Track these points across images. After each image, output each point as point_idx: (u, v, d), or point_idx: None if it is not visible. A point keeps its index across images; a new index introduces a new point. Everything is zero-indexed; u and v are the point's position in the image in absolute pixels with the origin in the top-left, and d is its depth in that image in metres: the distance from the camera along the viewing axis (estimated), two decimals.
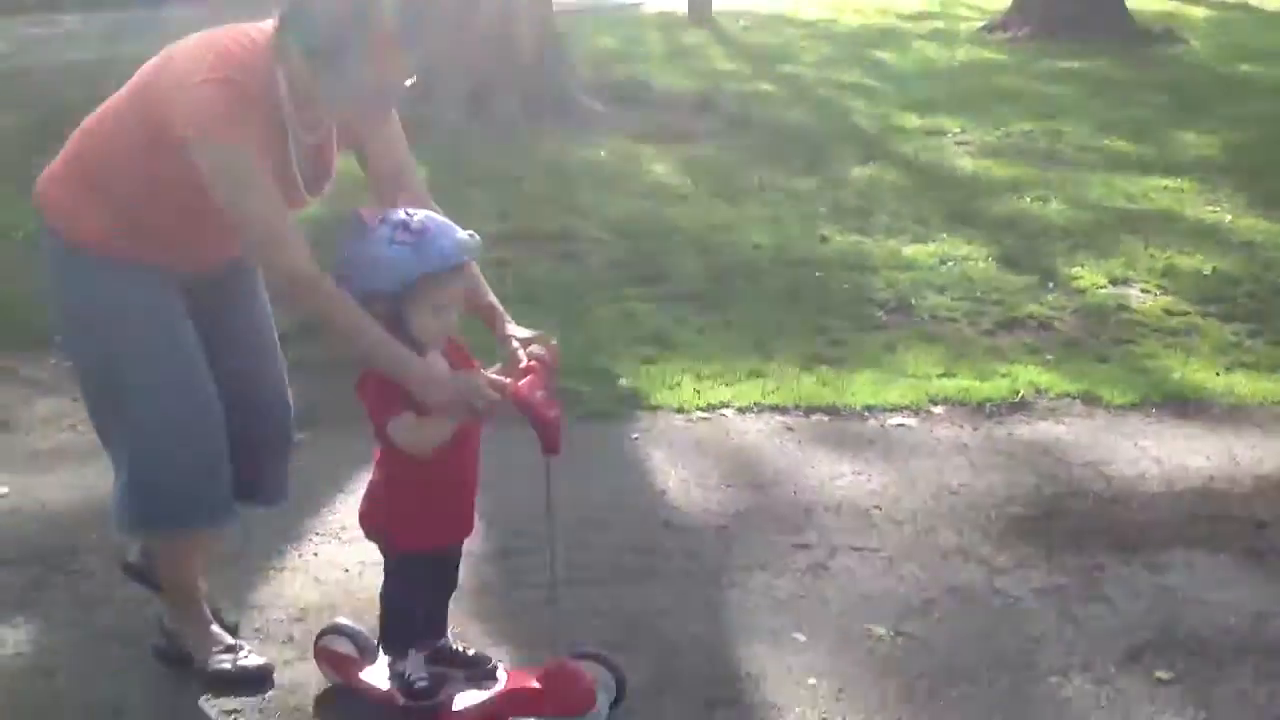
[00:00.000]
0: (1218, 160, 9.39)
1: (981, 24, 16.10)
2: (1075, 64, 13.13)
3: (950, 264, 6.92)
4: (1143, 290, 6.61)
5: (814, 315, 6.15)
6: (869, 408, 5.06)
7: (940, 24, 16.70)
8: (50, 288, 3.10)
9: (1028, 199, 8.20)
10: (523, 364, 2.92)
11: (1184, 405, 5.16)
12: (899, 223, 7.67)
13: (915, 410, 5.05)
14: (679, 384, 5.20)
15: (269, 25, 2.83)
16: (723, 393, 5.14)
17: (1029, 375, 5.37)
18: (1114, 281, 6.71)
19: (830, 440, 4.77)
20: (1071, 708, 3.18)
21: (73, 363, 3.23)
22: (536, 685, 2.96)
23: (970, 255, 7.06)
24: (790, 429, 4.86)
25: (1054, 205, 8.09)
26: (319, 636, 3.21)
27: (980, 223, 7.70)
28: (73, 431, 4.61)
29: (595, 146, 9.36)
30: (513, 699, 2.98)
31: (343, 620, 3.24)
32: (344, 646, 3.18)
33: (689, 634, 3.43)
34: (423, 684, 3.02)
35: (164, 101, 2.79)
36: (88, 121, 3.02)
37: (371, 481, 3.02)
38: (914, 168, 9.06)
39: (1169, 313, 6.29)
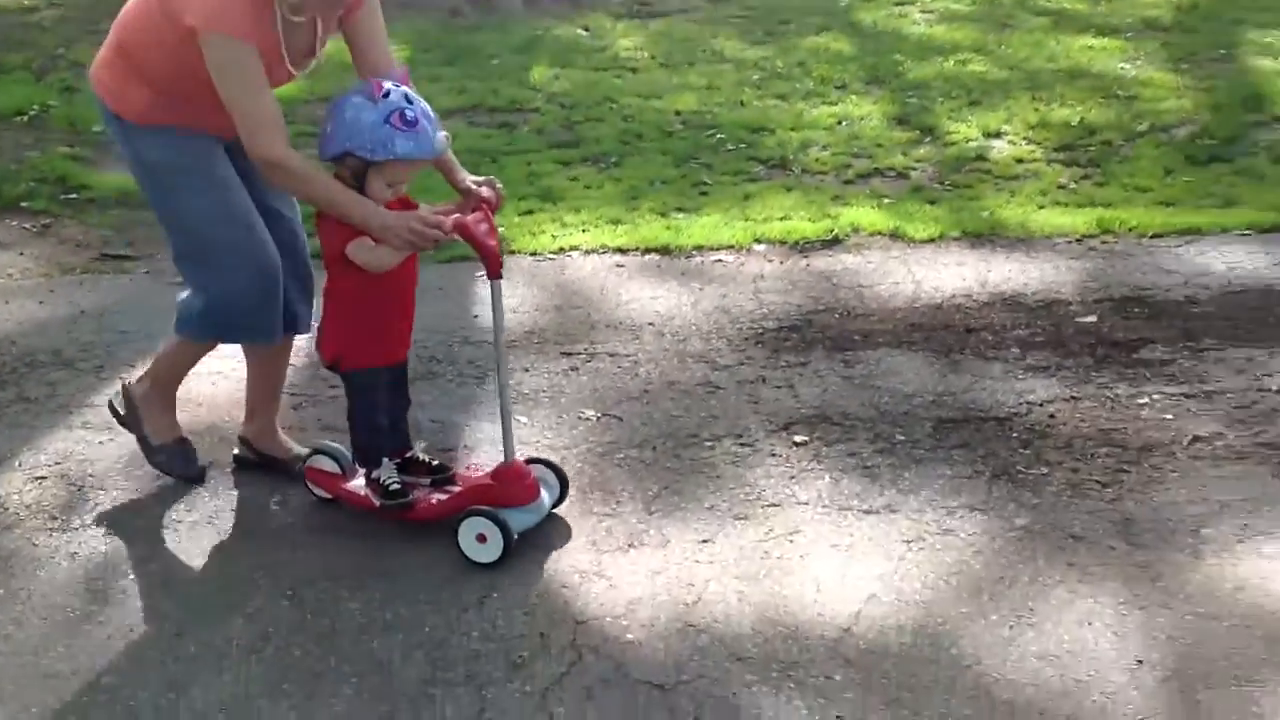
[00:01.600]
0: (1162, 19, 9.76)
1: None
2: None
3: (845, 124, 7.57)
4: (1009, 141, 7.20)
5: (697, 171, 6.88)
6: (699, 247, 5.81)
7: None
8: (122, 155, 3.65)
9: (952, 61, 8.73)
10: (471, 203, 3.45)
11: (978, 238, 5.82)
12: (821, 87, 8.30)
13: (738, 249, 5.79)
14: (542, 231, 6.01)
15: None
16: (577, 238, 5.93)
17: (853, 217, 6.05)
18: (987, 134, 7.30)
19: (650, 274, 5.55)
20: (708, 462, 3.97)
21: (156, 213, 3.67)
22: (489, 482, 3.50)
23: (868, 115, 7.69)
24: (620, 266, 5.65)
25: (973, 66, 8.63)
26: (305, 459, 3.72)
27: (896, 85, 8.29)
28: (6, 279, 5.60)
29: (578, 24, 10.08)
30: (470, 494, 3.50)
31: (325, 442, 3.75)
32: (327, 465, 3.69)
33: (435, 419, 4.28)
34: (395, 486, 3.53)
35: None
36: (123, 13, 3.56)
37: (322, 318, 3.52)
38: (864, 35, 9.61)
39: (1019, 160, 6.90)
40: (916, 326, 4.92)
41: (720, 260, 5.67)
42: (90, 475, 3.96)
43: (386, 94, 3.25)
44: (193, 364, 3.87)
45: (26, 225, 6.27)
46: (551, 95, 8.24)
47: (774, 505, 3.74)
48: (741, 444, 4.08)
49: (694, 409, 4.32)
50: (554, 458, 3.94)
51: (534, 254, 5.78)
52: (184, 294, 3.70)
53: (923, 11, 10.35)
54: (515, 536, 3.42)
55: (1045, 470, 3.87)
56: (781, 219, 6.10)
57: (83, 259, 5.89)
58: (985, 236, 5.83)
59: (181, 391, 3.97)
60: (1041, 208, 6.18)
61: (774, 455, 4.01)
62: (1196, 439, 4.02)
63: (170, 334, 3.80)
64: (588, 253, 5.79)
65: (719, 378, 4.54)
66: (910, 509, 3.70)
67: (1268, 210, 5.97)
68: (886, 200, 6.36)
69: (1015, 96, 7.89)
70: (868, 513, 3.69)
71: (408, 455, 3.67)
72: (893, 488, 3.81)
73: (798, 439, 4.10)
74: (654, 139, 7.38)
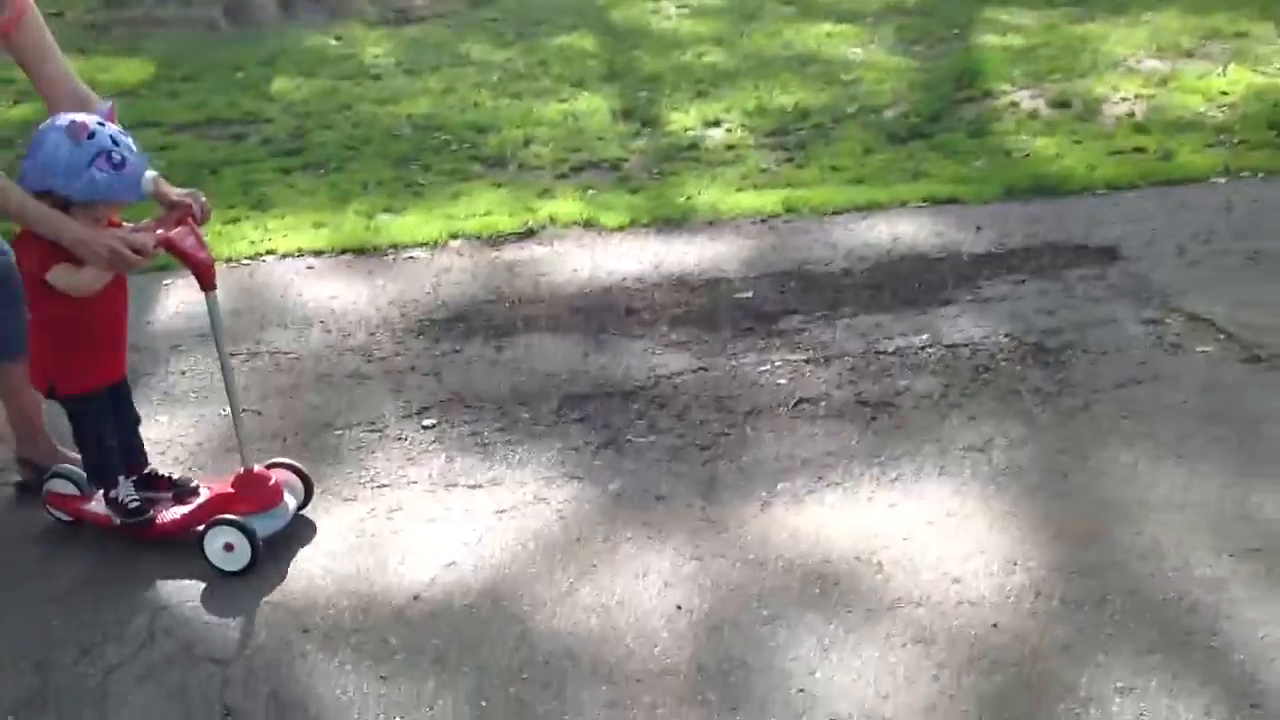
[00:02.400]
0: (904, 3, 10.17)
1: None
2: None
3: (572, 119, 7.79)
4: (727, 129, 7.47)
5: (414, 173, 7.04)
6: (395, 245, 5.97)
7: None
8: None
9: (690, 54, 9.02)
10: (175, 216, 3.47)
11: (668, 224, 6.06)
12: (558, 85, 8.53)
13: (434, 245, 5.96)
14: (242, 238, 6.12)
15: None
16: (276, 242, 6.05)
17: (553, 209, 6.26)
18: (706, 123, 7.57)
19: (339, 274, 5.70)
20: (333, 449, 4.14)
21: None
22: (231, 490, 3.58)
23: (595, 109, 7.93)
24: (311, 268, 5.79)
25: (709, 58, 8.92)
26: (44, 482, 3.84)
27: (630, 80, 8.54)
28: None
29: (330, 34, 10.19)
30: (212, 504, 3.57)
31: (61, 465, 3.77)
32: (64, 487, 3.73)
33: None
34: (134, 504, 3.60)
35: None
36: None
37: (31, 344, 3.62)
38: (612, 33, 9.87)
39: (730, 147, 7.18)
40: (579, 310, 5.13)
41: (412, 257, 5.84)
42: None
43: (92, 134, 3.24)
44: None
45: None
46: (288, 105, 8.35)
47: (384, 486, 3.92)
48: (371, 430, 4.26)
49: (336, 400, 4.49)
50: (179, 455, 4.08)
51: (228, 260, 5.88)
52: None
53: (678, 6, 10.64)
54: (261, 542, 3.49)
55: (653, 438, 4.11)
56: (485, 214, 6.28)
57: None
58: (675, 222, 6.07)
59: None
60: (740, 191, 6.45)
61: (400, 439, 4.19)
62: (802, 400, 4.29)
63: None
64: (283, 256, 5.92)
65: (370, 369, 4.71)
66: (514, 481, 3.90)
67: (949, 183, 6.31)
68: (591, 191, 6.58)
69: (741, 86, 8.19)
70: (473, 487, 3.89)
71: (145, 471, 3.75)
72: (503, 463, 4.01)
73: (426, 423, 4.28)
74: (379, 143, 7.53)
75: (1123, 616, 3.19)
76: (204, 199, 3.60)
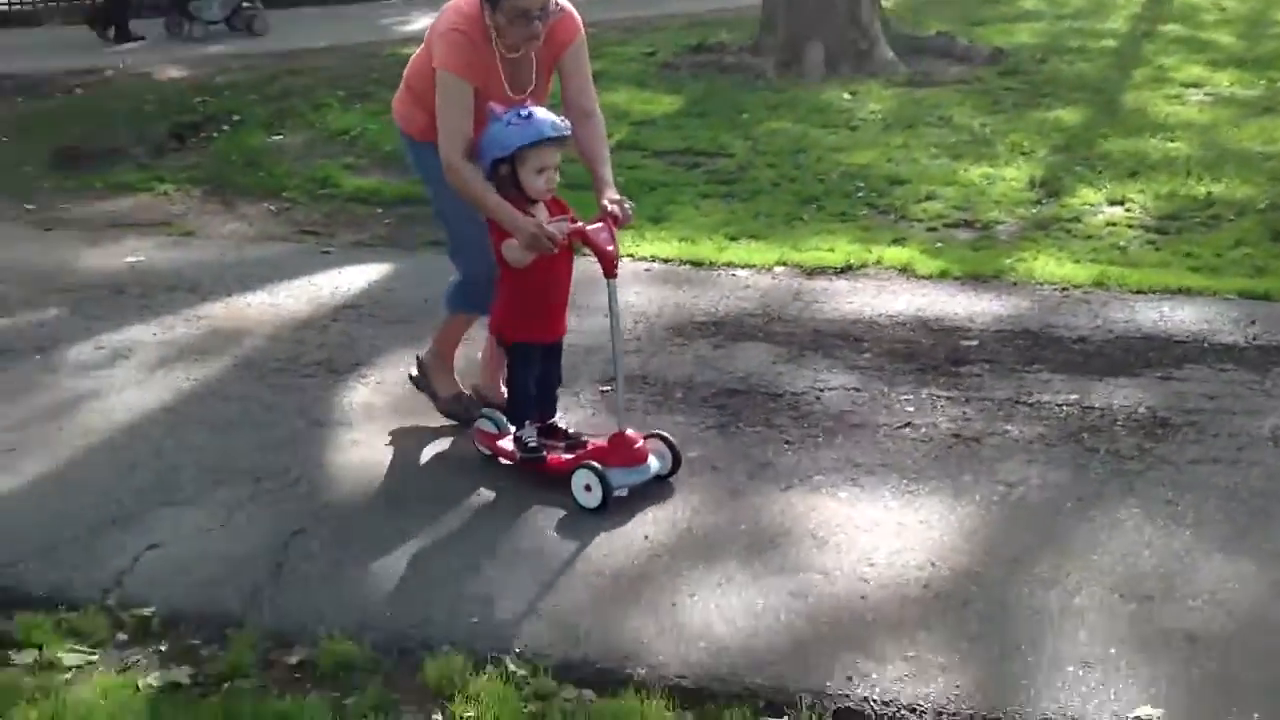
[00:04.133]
0: None
1: None
2: None
3: (988, 182, 8.49)
4: (1126, 209, 7.88)
5: (812, 212, 8.10)
6: (730, 264, 7.10)
7: None
8: (410, 165, 5.17)
9: (1159, 138, 9.35)
10: (599, 216, 4.45)
11: (976, 279, 6.72)
12: (1006, 153, 9.19)
13: (759, 268, 7.02)
14: (631, 243, 7.42)
15: None
16: (643, 248, 7.36)
17: (885, 253, 7.10)
18: (1110, 202, 8.01)
19: (662, 279, 6.89)
20: None
21: (433, 209, 5.02)
22: (605, 445, 4.49)
23: (1014, 177, 8.56)
24: (648, 270, 7.05)
25: (1176, 144, 9.20)
26: (473, 421, 4.88)
27: (1079, 154, 9.03)
28: (221, 238, 7.84)
29: (850, 89, 11.40)
30: (587, 455, 4.48)
31: (487, 409, 4.88)
32: (488, 426, 4.79)
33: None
34: (533, 444, 4.62)
35: (433, 44, 4.62)
36: (411, 60, 5.12)
37: (494, 299, 4.67)
38: (1111, 111, 10.29)
39: (1111, 224, 7.62)
40: (817, 333, 6.01)
41: (734, 275, 6.93)
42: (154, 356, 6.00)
43: (505, 109, 4.38)
44: (459, 335, 5.21)
45: (272, 208, 8.56)
46: (756, 145, 9.63)
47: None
48: (569, 393, 5.38)
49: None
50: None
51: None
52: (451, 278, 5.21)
53: (1206, 95, 10.81)
54: (614, 490, 4.36)
55: (759, 429, 5.00)
56: (828, 250, 7.22)
57: (285, 232, 8.05)
58: (985, 279, 6.70)
59: None
60: (1077, 262, 6.92)
61: (575, 396, 5.33)
62: (908, 424, 4.98)
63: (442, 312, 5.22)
64: (638, 259, 7.20)
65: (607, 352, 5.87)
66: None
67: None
68: (940, 245, 7.32)
69: (1177, 172, 8.46)
70: (595, 436, 4.96)
71: (550, 421, 4.78)
72: (634, 426, 5.03)
73: (603, 388, 5.40)
74: (802, 184, 8.63)
75: (973, 616, 3.74)
76: (629, 206, 4.56)
